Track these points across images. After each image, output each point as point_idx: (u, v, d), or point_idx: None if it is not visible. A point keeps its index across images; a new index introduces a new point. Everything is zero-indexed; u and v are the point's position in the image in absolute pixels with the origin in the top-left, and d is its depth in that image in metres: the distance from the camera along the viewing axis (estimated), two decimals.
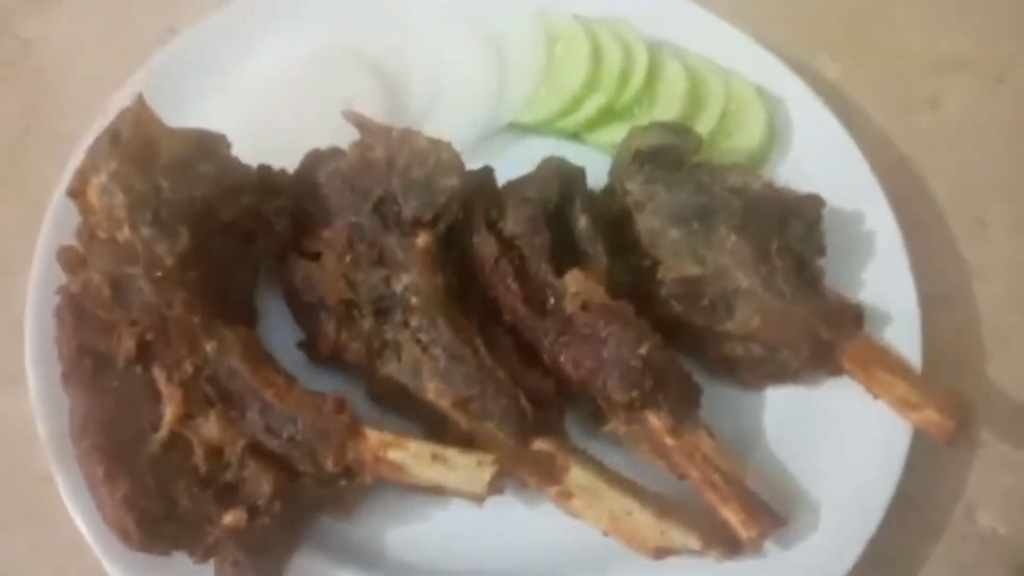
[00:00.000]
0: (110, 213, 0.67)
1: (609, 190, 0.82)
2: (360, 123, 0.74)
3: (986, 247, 0.92)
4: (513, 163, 0.83)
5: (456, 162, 0.73)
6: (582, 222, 0.76)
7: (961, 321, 0.87)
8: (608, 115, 0.88)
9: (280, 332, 0.75)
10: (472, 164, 0.80)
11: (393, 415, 0.72)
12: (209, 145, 0.72)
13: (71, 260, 0.68)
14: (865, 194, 0.84)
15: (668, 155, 0.80)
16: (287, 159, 0.81)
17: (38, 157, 0.91)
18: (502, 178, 0.80)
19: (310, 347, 0.74)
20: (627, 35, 0.89)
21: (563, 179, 0.77)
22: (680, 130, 0.81)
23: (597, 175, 0.82)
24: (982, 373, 0.85)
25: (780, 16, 1.04)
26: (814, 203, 0.79)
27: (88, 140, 0.77)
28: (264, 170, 0.76)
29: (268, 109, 0.87)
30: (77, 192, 0.68)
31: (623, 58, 0.88)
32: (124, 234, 0.66)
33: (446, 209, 0.73)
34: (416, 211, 0.72)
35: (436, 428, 0.70)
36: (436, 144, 0.73)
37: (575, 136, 0.90)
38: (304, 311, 0.74)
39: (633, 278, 0.77)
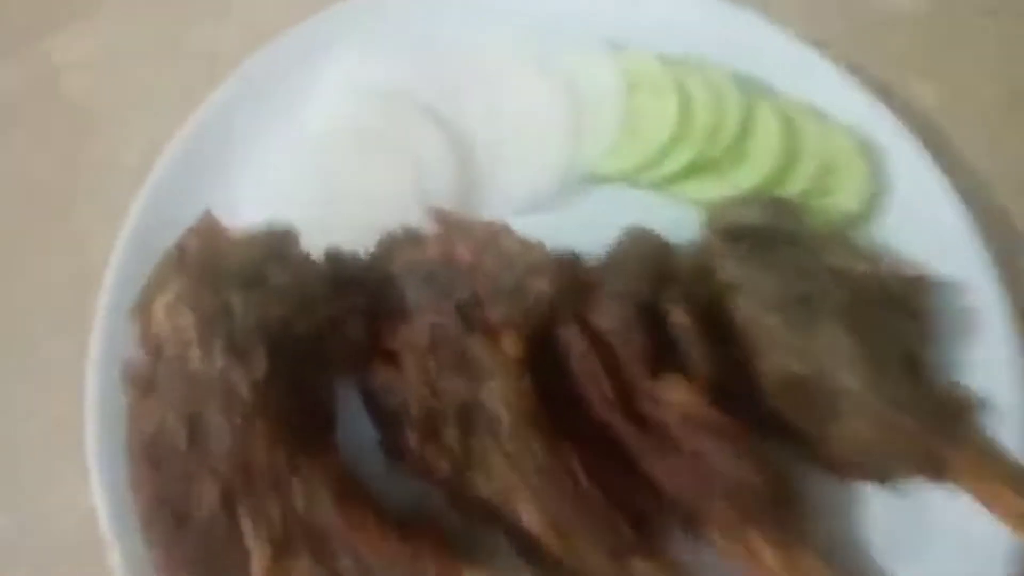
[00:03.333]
0: (179, 334, 0.61)
1: (699, 267, 0.76)
2: (442, 220, 0.68)
3: None
4: (590, 215, 0.81)
5: (547, 264, 0.67)
6: (681, 320, 0.70)
7: None
8: (694, 168, 0.82)
9: (356, 426, 0.70)
10: (546, 217, 0.79)
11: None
12: (278, 247, 0.66)
13: (138, 381, 0.63)
14: (970, 264, 0.78)
15: (763, 234, 0.74)
16: (346, 224, 0.76)
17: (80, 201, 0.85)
18: (577, 232, 0.74)
19: (390, 452, 0.70)
20: (719, 83, 0.81)
21: (653, 268, 0.72)
22: (779, 208, 0.74)
23: (681, 228, 0.77)
24: None
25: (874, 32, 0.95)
26: (923, 288, 0.74)
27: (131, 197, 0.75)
28: (333, 260, 0.70)
29: (323, 168, 0.80)
30: (143, 309, 0.63)
31: (715, 110, 0.80)
32: (195, 356, 0.61)
33: (535, 313, 0.67)
34: (504, 317, 0.67)
35: (525, 545, 0.68)
36: (526, 246, 0.67)
37: (656, 186, 0.83)
38: (384, 417, 0.69)
39: (728, 369, 0.72)
